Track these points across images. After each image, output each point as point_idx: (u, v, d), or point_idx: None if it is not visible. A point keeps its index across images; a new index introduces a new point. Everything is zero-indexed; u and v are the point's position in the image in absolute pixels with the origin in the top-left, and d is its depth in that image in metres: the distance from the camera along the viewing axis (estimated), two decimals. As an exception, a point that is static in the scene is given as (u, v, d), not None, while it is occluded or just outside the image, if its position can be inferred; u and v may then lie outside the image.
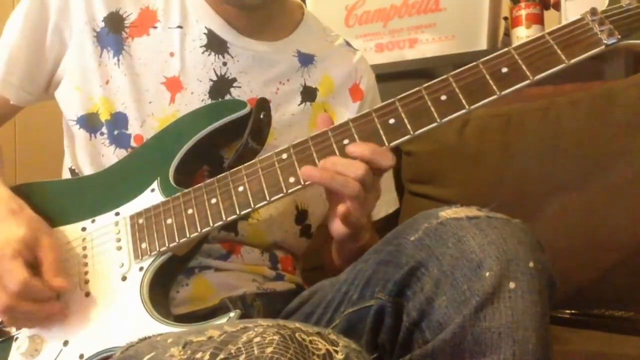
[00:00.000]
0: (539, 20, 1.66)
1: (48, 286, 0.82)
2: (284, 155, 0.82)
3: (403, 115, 0.79)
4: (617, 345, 1.07)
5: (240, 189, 0.82)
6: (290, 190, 0.80)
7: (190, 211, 0.83)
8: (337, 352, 0.58)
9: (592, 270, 1.19)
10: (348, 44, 1.13)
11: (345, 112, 1.05)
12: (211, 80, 0.96)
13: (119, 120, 0.93)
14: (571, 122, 1.27)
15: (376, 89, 1.13)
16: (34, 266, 0.83)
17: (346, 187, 0.78)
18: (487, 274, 0.68)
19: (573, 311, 1.19)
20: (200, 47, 0.97)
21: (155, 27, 0.97)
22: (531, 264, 0.68)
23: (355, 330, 0.80)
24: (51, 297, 0.83)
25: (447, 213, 0.75)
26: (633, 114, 1.22)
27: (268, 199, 0.81)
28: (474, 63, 0.79)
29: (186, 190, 0.85)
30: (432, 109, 0.78)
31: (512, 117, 1.33)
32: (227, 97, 0.96)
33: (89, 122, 0.95)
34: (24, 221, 0.86)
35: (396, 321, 0.76)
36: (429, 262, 0.73)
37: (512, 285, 0.67)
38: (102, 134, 0.94)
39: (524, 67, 0.77)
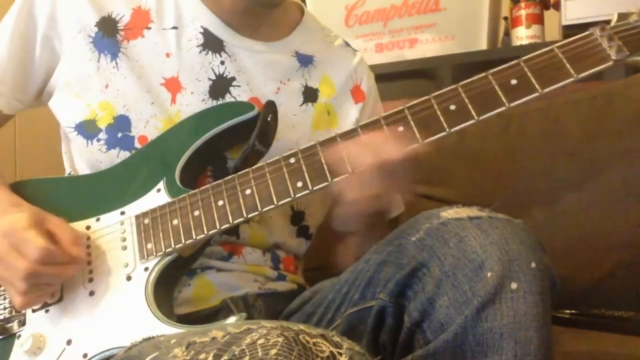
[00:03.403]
0: (539, 20, 1.66)
1: (67, 252, 0.82)
2: (292, 160, 0.82)
3: (412, 124, 0.79)
4: (617, 345, 1.08)
5: (248, 192, 0.82)
6: (297, 195, 0.80)
7: (196, 213, 0.83)
8: (340, 354, 0.58)
9: (592, 270, 1.19)
10: (347, 44, 1.13)
11: (349, 113, 1.05)
12: (210, 79, 0.96)
13: (121, 123, 0.93)
14: (571, 123, 1.27)
15: (376, 89, 1.13)
16: (50, 240, 0.83)
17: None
18: (489, 274, 0.68)
19: (573, 311, 1.20)
20: (197, 46, 0.97)
21: (149, 28, 0.97)
22: (533, 265, 0.69)
23: (357, 330, 0.80)
24: (71, 260, 0.83)
25: (449, 213, 0.75)
26: (633, 114, 1.22)
27: (275, 203, 0.81)
28: (483, 74, 0.79)
29: (193, 192, 0.85)
30: (442, 118, 0.78)
31: (512, 117, 1.33)
32: (227, 96, 0.96)
33: (87, 129, 0.94)
34: (26, 209, 0.87)
35: (397, 321, 0.76)
36: (430, 262, 0.73)
37: (513, 285, 0.68)
38: (98, 140, 0.93)
39: (533, 79, 0.77)
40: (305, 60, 1.04)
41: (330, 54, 1.08)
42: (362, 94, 1.08)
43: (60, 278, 0.84)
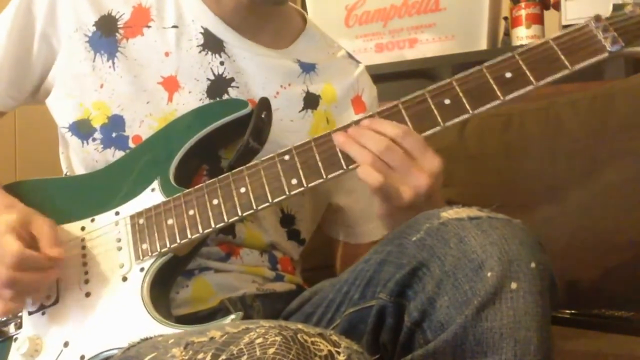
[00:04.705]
0: (539, 20, 1.66)
1: (45, 256, 0.82)
2: (286, 157, 0.82)
3: (406, 119, 0.79)
4: (617, 345, 1.07)
5: (242, 190, 0.82)
6: (292, 192, 0.80)
7: (191, 212, 0.83)
8: (339, 353, 0.58)
9: (592, 270, 1.19)
10: (350, 56, 1.12)
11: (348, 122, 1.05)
12: (208, 79, 0.96)
13: (116, 123, 0.92)
14: (571, 122, 1.27)
15: (377, 102, 1.12)
16: (30, 244, 0.82)
17: (360, 157, 0.77)
18: (489, 274, 0.68)
19: (573, 311, 1.19)
20: (197, 46, 0.97)
21: (149, 27, 0.97)
22: (532, 265, 0.68)
23: (357, 330, 0.80)
24: (51, 266, 0.83)
25: (449, 213, 0.75)
26: (633, 114, 1.22)
27: (270, 200, 0.80)
28: (478, 67, 0.79)
29: (187, 191, 0.85)
30: (436, 112, 0.78)
31: (512, 117, 1.33)
32: (225, 96, 0.96)
33: (81, 129, 0.94)
34: (16, 210, 0.86)
35: (397, 321, 0.76)
36: (430, 262, 0.72)
37: (513, 285, 0.67)
38: (94, 139, 0.93)
39: (527, 72, 0.77)
40: (307, 68, 1.03)
41: (333, 64, 1.07)
42: (363, 105, 1.07)
43: (43, 284, 0.84)
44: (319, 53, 1.07)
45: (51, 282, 0.85)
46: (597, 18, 0.78)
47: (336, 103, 1.05)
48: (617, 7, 0.80)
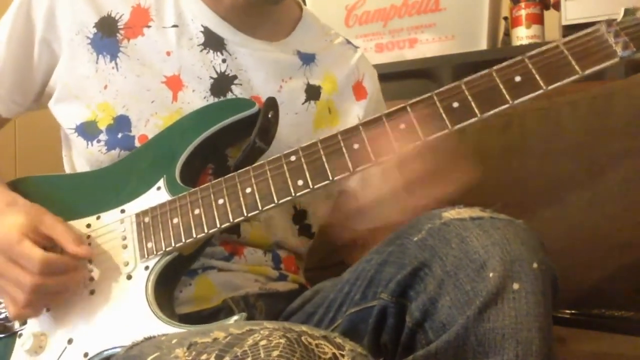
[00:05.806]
0: (539, 20, 1.66)
1: (71, 255, 0.81)
2: (293, 158, 0.81)
3: (414, 121, 0.78)
4: (617, 345, 1.08)
5: (248, 190, 0.82)
6: (298, 194, 0.80)
7: (197, 211, 0.83)
8: (343, 356, 0.58)
9: (592, 270, 1.19)
10: (348, 42, 1.12)
11: (350, 110, 1.05)
12: (212, 77, 0.96)
13: (121, 123, 0.92)
14: (571, 122, 1.27)
15: (379, 85, 1.12)
16: (46, 245, 0.82)
17: None
18: (491, 274, 0.68)
19: (573, 311, 1.20)
20: (198, 45, 0.97)
21: (149, 27, 0.97)
22: (535, 265, 0.69)
23: (358, 330, 0.80)
24: (76, 265, 0.83)
25: (451, 214, 0.75)
26: (633, 114, 1.22)
27: (276, 201, 0.80)
28: (487, 70, 0.78)
29: (193, 190, 0.85)
30: (444, 115, 0.78)
31: (512, 117, 1.33)
32: (229, 94, 0.96)
33: (87, 131, 0.94)
34: (21, 209, 0.86)
35: (399, 321, 0.76)
36: (432, 262, 0.73)
37: (515, 286, 0.67)
38: (99, 141, 0.93)
39: (537, 76, 0.76)
40: (307, 59, 1.04)
41: (332, 52, 1.08)
42: (364, 91, 1.07)
43: (68, 285, 0.83)
44: (317, 42, 1.07)
45: (80, 281, 0.84)
46: (609, 22, 0.77)
47: (337, 92, 1.05)
48: (628, 12, 0.79)
